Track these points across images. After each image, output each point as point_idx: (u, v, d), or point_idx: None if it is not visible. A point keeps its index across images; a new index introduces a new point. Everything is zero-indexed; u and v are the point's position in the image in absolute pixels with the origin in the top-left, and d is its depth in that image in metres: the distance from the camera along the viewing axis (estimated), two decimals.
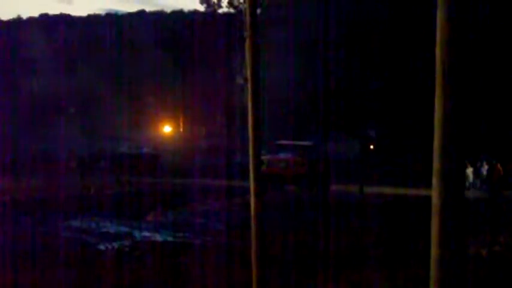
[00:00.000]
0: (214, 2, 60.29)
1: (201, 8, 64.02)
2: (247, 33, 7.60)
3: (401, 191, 29.91)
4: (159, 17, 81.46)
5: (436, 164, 5.21)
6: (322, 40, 46.82)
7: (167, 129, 63.10)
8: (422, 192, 22.23)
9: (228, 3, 58.85)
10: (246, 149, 7.99)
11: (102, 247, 15.92)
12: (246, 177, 8.17)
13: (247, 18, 7.54)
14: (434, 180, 5.22)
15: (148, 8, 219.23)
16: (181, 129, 65.50)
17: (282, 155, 34.76)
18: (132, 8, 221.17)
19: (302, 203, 25.25)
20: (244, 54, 7.87)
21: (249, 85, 7.62)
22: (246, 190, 8.13)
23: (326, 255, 14.01)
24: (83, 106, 61.00)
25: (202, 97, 58.75)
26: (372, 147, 46.82)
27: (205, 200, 25.66)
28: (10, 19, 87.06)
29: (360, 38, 48.94)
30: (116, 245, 16.25)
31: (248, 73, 7.65)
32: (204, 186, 30.73)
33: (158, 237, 17.63)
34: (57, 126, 54.45)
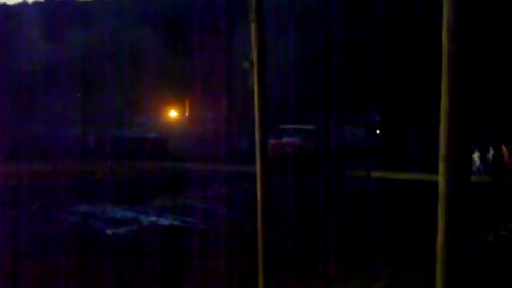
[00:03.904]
0: None
1: None
2: (252, 17, 7.55)
3: (407, 176, 29.81)
4: None
5: (442, 150, 5.20)
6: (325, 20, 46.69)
7: (173, 113, 63.08)
8: (429, 177, 22.19)
9: None
10: (252, 134, 7.97)
11: (108, 232, 15.98)
12: (252, 161, 8.14)
13: (253, 2, 7.49)
14: (441, 166, 5.22)
15: None
16: (187, 114, 65.42)
17: (286, 139, 34.55)
18: None
19: (308, 188, 25.20)
20: (250, 37, 7.82)
21: (255, 69, 7.60)
22: (253, 175, 8.11)
23: (332, 241, 14.03)
24: (87, 91, 60.81)
25: (208, 81, 58.56)
26: (377, 131, 46.81)
27: (212, 185, 25.65)
28: (15, 3, 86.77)
29: (364, 21, 48.78)
30: (122, 230, 16.31)
31: (254, 57, 7.62)
32: (211, 170, 30.70)
33: (165, 222, 17.67)
34: (59, 110, 54.27)
